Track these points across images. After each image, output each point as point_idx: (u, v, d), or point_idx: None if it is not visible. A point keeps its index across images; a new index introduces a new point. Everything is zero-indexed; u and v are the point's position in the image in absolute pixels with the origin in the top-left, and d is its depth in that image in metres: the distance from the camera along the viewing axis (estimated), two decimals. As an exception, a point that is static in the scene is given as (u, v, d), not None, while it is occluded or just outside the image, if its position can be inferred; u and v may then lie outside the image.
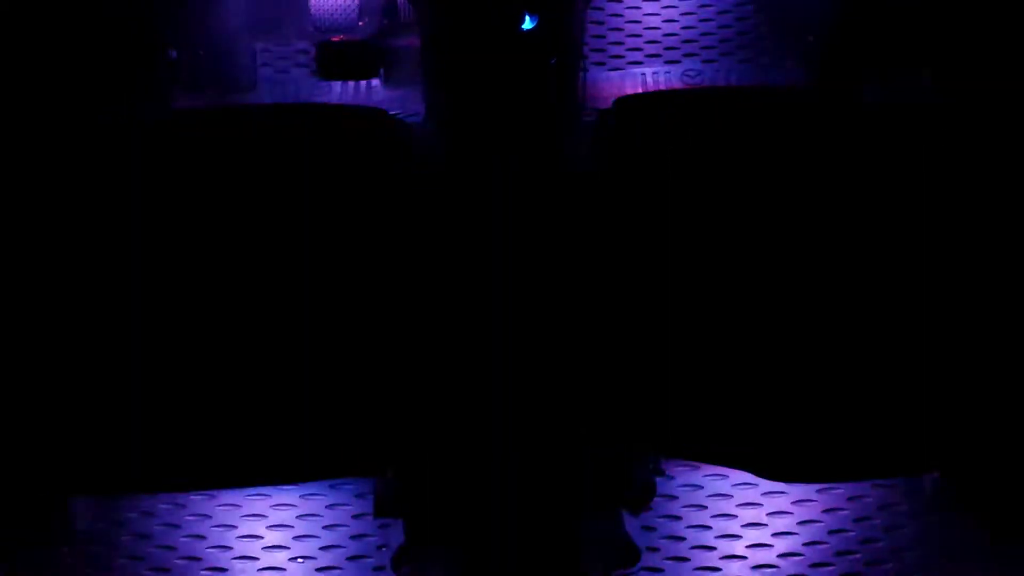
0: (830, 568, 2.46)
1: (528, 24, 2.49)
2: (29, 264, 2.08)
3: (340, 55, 3.28)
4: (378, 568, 2.47)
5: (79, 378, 2.09)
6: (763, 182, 2.13)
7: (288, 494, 2.61)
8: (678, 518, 2.57)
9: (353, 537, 2.55)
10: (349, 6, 3.27)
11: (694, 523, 2.56)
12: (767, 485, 2.58)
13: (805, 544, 2.51)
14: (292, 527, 2.57)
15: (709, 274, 2.14)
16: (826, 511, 2.57)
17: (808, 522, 2.56)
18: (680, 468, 2.64)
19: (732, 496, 2.61)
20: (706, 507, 2.59)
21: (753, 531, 2.54)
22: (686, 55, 3.40)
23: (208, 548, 2.53)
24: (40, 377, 2.09)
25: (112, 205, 2.09)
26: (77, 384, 2.09)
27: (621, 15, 3.48)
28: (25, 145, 2.11)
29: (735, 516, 2.57)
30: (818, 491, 2.60)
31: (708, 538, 2.53)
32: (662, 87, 3.30)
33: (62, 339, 2.09)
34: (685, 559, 2.49)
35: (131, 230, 2.08)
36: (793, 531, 2.54)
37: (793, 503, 2.59)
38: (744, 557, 2.49)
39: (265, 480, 2.45)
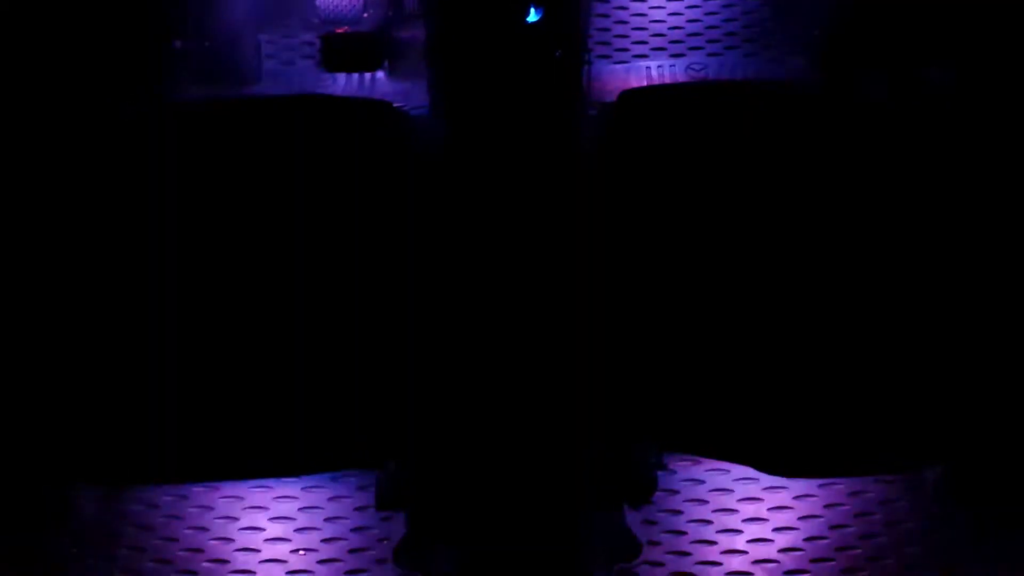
0: (831, 563, 2.46)
1: (533, 17, 2.48)
2: (33, 259, 2.08)
3: (345, 47, 3.27)
4: (380, 561, 2.48)
5: (82, 370, 2.09)
6: (768, 177, 2.13)
7: (290, 486, 2.62)
8: (679, 512, 2.57)
9: (355, 530, 2.55)
10: (354, -2, 3.28)
11: (695, 518, 2.56)
12: (768, 480, 2.58)
13: (806, 539, 2.51)
14: (294, 519, 2.57)
15: (712, 268, 2.14)
16: (827, 506, 2.57)
17: (809, 517, 2.56)
18: (681, 463, 2.64)
19: (733, 491, 2.61)
20: (707, 502, 2.59)
21: (754, 526, 2.54)
22: (691, 48, 3.40)
23: (210, 540, 2.53)
24: (43, 369, 2.10)
25: (117, 197, 2.09)
26: (80, 376, 2.10)
27: (626, 8, 3.48)
28: (29, 136, 2.11)
29: (736, 511, 2.57)
30: (819, 486, 2.59)
31: (709, 533, 2.53)
32: (667, 80, 3.30)
33: (66, 331, 2.10)
34: (686, 553, 2.49)
35: (134, 222, 2.09)
36: (794, 526, 2.54)
37: (794, 498, 2.59)
38: (745, 552, 2.50)
39: (267, 472, 2.46)
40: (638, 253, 2.18)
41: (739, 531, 2.53)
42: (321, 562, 2.49)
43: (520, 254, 2.33)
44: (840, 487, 2.59)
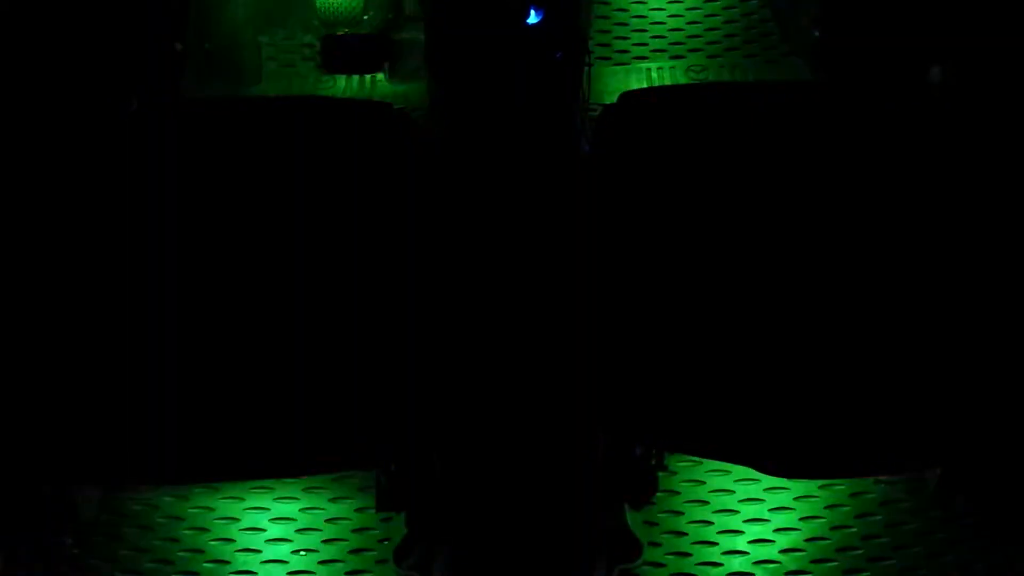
0: (832, 564, 2.47)
1: (534, 19, 2.49)
2: (33, 258, 2.08)
3: (345, 49, 3.28)
4: (380, 561, 2.48)
5: (82, 370, 2.09)
6: (767, 178, 2.13)
7: (291, 487, 2.62)
8: (680, 513, 2.57)
9: (355, 531, 2.55)
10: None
11: (696, 518, 2.56)
12: (769, 481, 2.58)
13: (807, 540, 2.51)
14: (295, 520, 2.57)
15: (712, 269, 2.14)
16: (828, 507, 2.57)
17: (810, 518, 2.56)
18: (682, 464, 2.64)
19: (734, 492, 2.61)
20: (708, 503, 2.59)
21: (755, 527, 2.54)
22: (691, 50, 3.40)
23: (211, 540, 2.53)
24: (44, 369, 2.10)
25: (118, 197, 2.09)
26: (80, 376, 2.10)
27: (627, 10, 3.48)
28: (30, 137, 2.11)
29: (737, 512, 2.57)
30: (820, 487, 2.60)
31: (710, 533, 2.53)
32: (667, 82, 3.30)
33: (67, 331, 2.09)
34: (687, 554, 2.49)
35: (135, 222, 2.09)
36: (795, 527, 2.54)
37: (795, 499, 2.59)
38: (746, 552, 2.50)
39: (268, 473, 2.46)
40: (638, 253, 2.18)
41: (740, 532, 2.53)
42: (322, 563, 2.49)
43: (520, 254, 2.33)
44: (841, 488, 2.59)
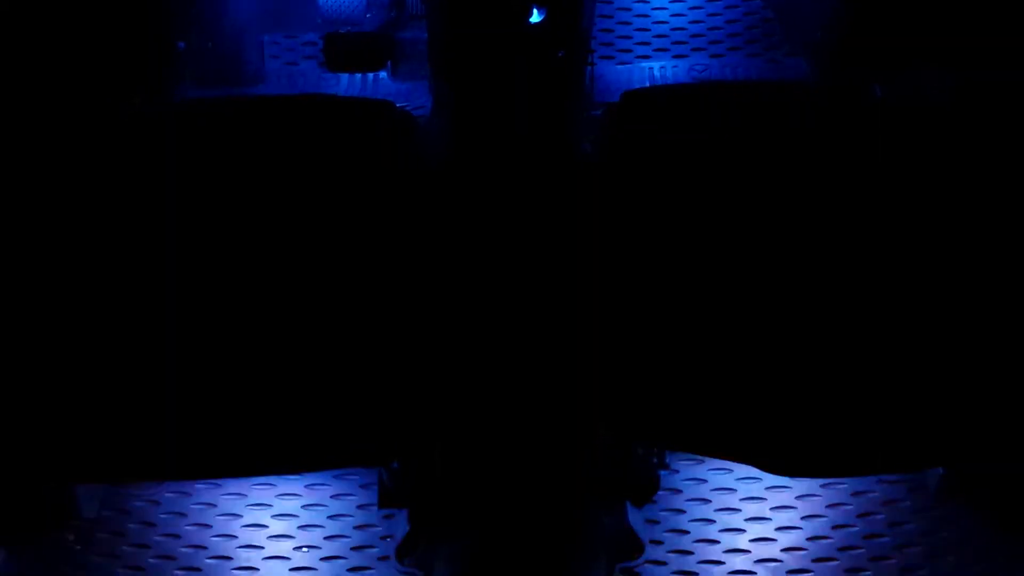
0: (833, 563, 2.47)
1: (536, 17, 2.49)
2: (33, 258, 2.08)
3: (348, 47, 3.28)
4: (382, 558, 2.48)
5: (83, 367, 2.09)
6: (769, 178, 2.13)
7: (293, 484, 2.62)
8: (682, 512, 2.57)
9: (357, 527, 2.55)
10: (357, -2, 3.28)
11: (698, 517, 2.56)
12: (771, 479, 2.59)
13: (809, 539, 2.52)
14: (297, 516, 2.58)
15: (715, 269, 2.14)
16: (830, 506, 2.58)
17: (812, 517, 2.56)
18: (684, 462, 2.64)
19: (736, 490, 2.61)
20: (710, 501, 2.59)
21: (757, 525, 2.54)
22: (694, 49, 3.41)
23: (213, 536, 2.53)
24: (44, 367, 2.10)
25: (118, 196, 2.09)
26: (81, 373, 2.10)
27: (630, 9, 3.49)
28: (31, 137, 2.11)
29: (739, 510, 2.57)
30: (822, 486, 2.60)
31: (712, 532, 2.54)
32: (670, 81, 3.31)
33: (68, 328, 2.10)
34: (689, 552, 2.49)
35: (135, 221, 2.09)
36: (797, 526, 2.54)
37: (797, 498, 2.59)
38: (748, 551, 2.50)
39: (271, 469, 2.46)
40: (640, 253, 2.19)
41: (742, 530, 2.54)
42: (324, 559, 2.50)
43: (522, 254, 2.33)
44: (843, 487, 2.60)
